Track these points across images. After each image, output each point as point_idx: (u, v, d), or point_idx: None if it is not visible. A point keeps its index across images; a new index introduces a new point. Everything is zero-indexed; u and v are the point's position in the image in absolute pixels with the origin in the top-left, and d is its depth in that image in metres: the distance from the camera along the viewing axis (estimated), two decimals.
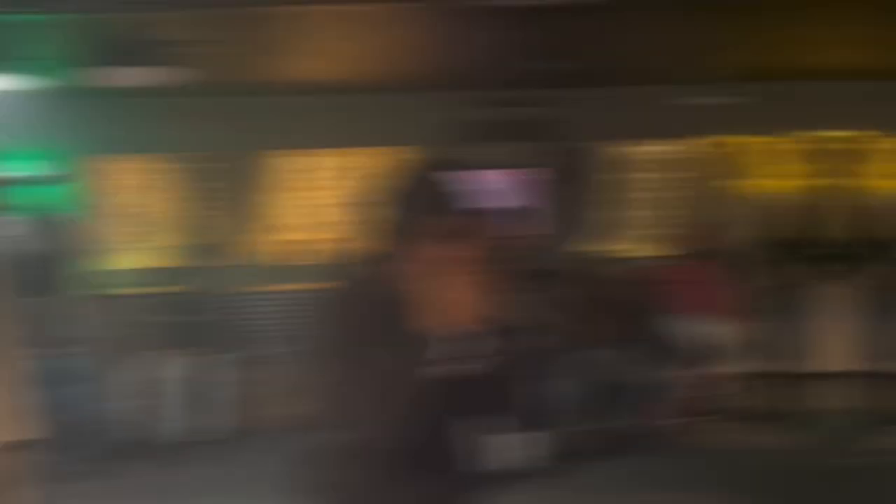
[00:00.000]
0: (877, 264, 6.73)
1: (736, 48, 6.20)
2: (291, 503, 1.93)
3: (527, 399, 1.97)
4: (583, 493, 5.12)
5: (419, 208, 1.78)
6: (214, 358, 6.32)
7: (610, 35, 5.96)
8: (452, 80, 7.21)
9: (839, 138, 7.72)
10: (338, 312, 1.80)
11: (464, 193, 1.83)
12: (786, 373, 6.75)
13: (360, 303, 1.80)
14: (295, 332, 1.95)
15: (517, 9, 5.21)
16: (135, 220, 8.57)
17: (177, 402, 6.56)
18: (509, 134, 8.03)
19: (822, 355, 6.49)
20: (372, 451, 1.73)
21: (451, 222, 1.76)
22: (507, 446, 5.10)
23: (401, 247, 1.77)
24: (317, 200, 8.64)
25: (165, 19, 4.47)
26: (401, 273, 1.77)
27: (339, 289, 1.87)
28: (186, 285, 6.52)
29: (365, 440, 1.71)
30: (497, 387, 1.86)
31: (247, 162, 8.53)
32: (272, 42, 5.98)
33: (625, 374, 6.11)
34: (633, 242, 8.42)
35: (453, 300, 1.71)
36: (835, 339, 6.15)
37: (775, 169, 8.16)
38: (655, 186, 8.49)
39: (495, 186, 7.99)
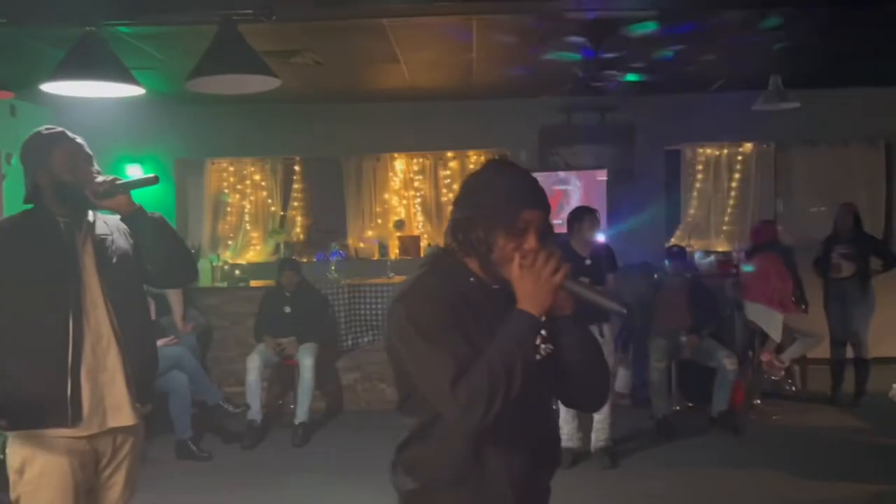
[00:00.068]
0: None
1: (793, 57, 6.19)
2: (390, 477, 1.98)
3: (606, 379, 2.01)
4: (661, 471, 5.24)
5: (496, 204, 1.81)
6: (310, 346, 6.38)
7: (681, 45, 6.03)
8: (536, 88, 7.31)
9: None
10: (428, 303, 1.81)
11: (536, 190, 1.87)
12: (844, 358, 6.89)
13: (453, 291, 1.83)
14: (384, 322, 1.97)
15: (593, 21, 5.32)
16: (232, 218, 8.94)
17: (271, 387, 6.71)
18: (588, 137, 8.14)
19: (881, 342, 6.62)
20: (475, 430, 1.73)
21: (524, 217, 1.81)
22: (585, 424, 5.10)
23: (483, 240, 1.82)
24: (411, 199, 8.89)
25: (261, 30, 4.69)
26: (487, 264, 1.84)
27: (430, 279, 1.88)
28: (280, 279, 6.60)
29: (477, 420, 1.70)
30: (577, 368, 1.90)
31: (343, 163, 8.85)
32: (363, 52, 6.20)
33: (701, 358, 6.18)
34: (705, 238, 8.52)
35: (535, 288, 1.76)
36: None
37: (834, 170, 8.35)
38: (723, 186, 8.62)
39: (572, 186, 8.07)
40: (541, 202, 1.85)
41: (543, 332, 1.83)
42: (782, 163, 8.55)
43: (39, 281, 2.52)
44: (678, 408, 6.59)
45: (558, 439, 2.05)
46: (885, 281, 6.84)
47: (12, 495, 2.57)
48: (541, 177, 8.36)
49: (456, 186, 8.53)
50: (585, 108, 8.01)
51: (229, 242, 8.90)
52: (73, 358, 2.50)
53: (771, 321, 6.38)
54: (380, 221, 8.89)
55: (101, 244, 2.63)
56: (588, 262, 5.36)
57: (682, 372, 6.53)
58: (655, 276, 6.79)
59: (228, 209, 8.94)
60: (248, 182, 8.99)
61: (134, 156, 7.96)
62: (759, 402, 6.70)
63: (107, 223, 2.70)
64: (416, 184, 8.92)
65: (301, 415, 6.22)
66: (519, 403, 1.73)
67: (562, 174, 8.20)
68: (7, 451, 2.59)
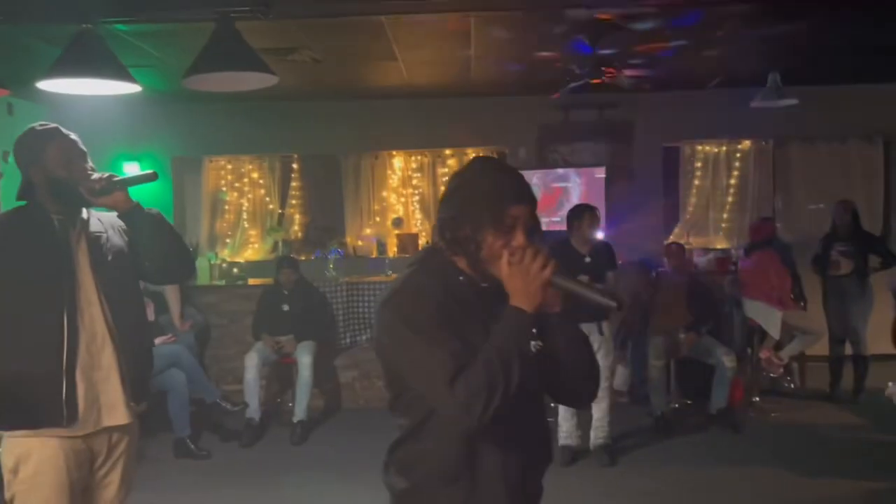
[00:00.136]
0: None
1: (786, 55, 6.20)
2: (382, 478, 1.98)
3: (596, 375, 2.00)
4: (659, 468, 5.23)
5: (483, 201, 1.81)
6: (308, 344, 6.39)
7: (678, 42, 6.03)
8: (533, 85, 7.30)
9: None
10: (419, 301, 1.80)
11: (522, 186, 1.86)
12: (843, 355, 6.92)
13: (442, 290, 1.82)
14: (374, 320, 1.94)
15: (592, 19, 5.31)
16: (230, 216, 8.93)
17: (270, 385, 6.73)
18: (586, 134, 8.14)
19: (879, 339, 6.57)
20: (474, 427, 1.72)
21: (511, 213, 1.80)
22: (584, 422, 5.08)
23: (471, 238, 1.82)
24: (409, 197, 8.88)
25: (258, 27, 4.69)
26: (475, 262, 1.84)
27: (420, 278, 1.87)
28: (278, 277, 6.59)
29: (476, 417, 1.69)
30: (567, 364, 1.90)
31: (341, 160, 8.84)
32: (361, 49, 6.19)
33: (699, 355, 6.19)
34: (704, 235, 8.54)
35: (525, 284, 1.75)
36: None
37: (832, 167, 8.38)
38: (722, 183, 8.63)
39: (572, 183, 8.08)
40: (527, 198, 1.85)
41: (533, 329, 1.81)
42: (781, 160, 8.55)
43: (33, 279, 2.51)
44: (677, 405, 6.59)
45: (550, 436, 2.04)
46: (883, 278, 6.84)
47: (7, 494, 2.56)
48: (540, 174, 8.39)
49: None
50: (584, 106, 8.00)
51: (227, 240, 8.89)
52: (68, 357, 2.48)
53: (770, 318, 6.41)
54: (378, 219, 8.88)
55: (95, 242, 2.62)
56: (588, 259, 5.36)
57: (680, 369, 6.54)
58: (654, 273, 6.79)
59: (226, 207, 8.92)
60: (245, 180, 8.98)
61: (131, 154, 7.95)
62: (757, 399, 6.72)
63: (101, 220, 2.69)
64: (414, 181, 8.91)
65: (299, 413, 6.22)
66: (511, 401, 1.73)
67: (561, 171, 8.19)
68: (1, 450, 2.58)
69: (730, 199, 8.60)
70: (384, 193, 8.89)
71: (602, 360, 5.39)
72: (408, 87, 7.49)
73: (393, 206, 8.91)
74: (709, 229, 8.63)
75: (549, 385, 1.95)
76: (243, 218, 8.95)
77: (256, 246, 8.95)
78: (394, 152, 8.81)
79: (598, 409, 5.46)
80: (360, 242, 8.81)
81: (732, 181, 8.58)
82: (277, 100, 7.62)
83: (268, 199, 9.00)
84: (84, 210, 2.65)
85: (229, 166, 8.93)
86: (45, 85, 4.16)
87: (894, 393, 4.01)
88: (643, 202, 8.04)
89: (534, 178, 8.15)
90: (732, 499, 4.89)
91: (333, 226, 8.92)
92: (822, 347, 6.90)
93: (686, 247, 7.13)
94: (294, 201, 9.08)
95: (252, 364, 6.25)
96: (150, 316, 6.05)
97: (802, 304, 6.90)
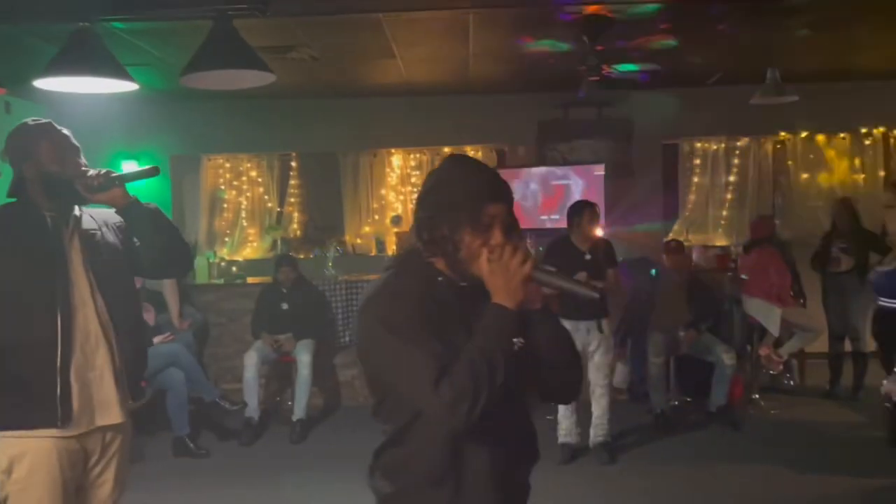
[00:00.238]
0: None
1: (794, 50, 6.19)
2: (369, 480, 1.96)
3: (578, 371, 2.00)
4: (659, 466, 5.23)
5: (459, 200, 1.79)
6: (307, 343, 6.37)
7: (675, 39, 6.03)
8: (529, 83, 7.30)
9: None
10: (399, 304, 1.78)
11: (498, 184, 1.85)
12: (843, 352, 6.91)
13: (422, 292, 1.80)
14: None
15: (589, 16, 5.30)
16: (228, 215, 8.91)
17: (269, 384, 6.72)
18: (586, 132, 8.13)
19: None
20: (461, 428, 1.71)
21: (488, 211, 1.79)
22: (584, 419, 5.05)
23: (448, 238, 1.80)
24: (408, 195, 8.87)
25: (256, 25, 4.67)
26: (454, 262, 1.82)
27: (398, 280, 1.86)
28: (277, 275, 6.59)
29: (462, 418, 1.68)
30: (549, 361, 1.88)
31: (340, 158, 8.82)
32: (359, 47, 6.18)
33: (699, 353, 6.19)
34: (703, 232, 8.54)
35: (506, 282, 1.73)
36: None
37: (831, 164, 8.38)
38: (721, 180, 8.61)
39: (574, 182, 8.07)
40: (503, 195, 1.83)
41: (515, 326, 1.79)
42: (780, 157, 8.54)
43: (26, 278, 2.49)
44: (676, 403, 6.58)
45: (535, 434, 2.02)
46: None
47: (0, 495, 2.55)
48: (539, 174, 8.37)
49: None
50: (583, 103, 7.99)
51: (226, 239, 8.87)
52: (62, 357, 2.47)
53: (769, 316, 6.40)
54: (377, 217, 8.86)
55: (89, 239, 2.60)
56: (588, 256, 5.35)
57: (680, 367, 6.53)
58: (653, 271, 6.78)
59: (225, 205, 8.91)
60: (244, 178, 8.96)
61: (129, 152, 7.92)
62: (757, 396, 6.72)
63: (93, 217, 2.67)
64: (413, 179, 8.88)
65: (299, 411, 6.21)
66: (496, 400, 1.72)
67: (560, 170, 8.18)
68: None
69: (729, 196, 8.60)
70: (383, 191, 8.87)
71: (602, 357, 5.40)
72: (406, 84, 7.48)
73: (392, 204, 8.89)
74: (708, 226, 8.63)
75: (532, 382, 1.93)
76: (242, 216, 8.93)
77: (255, 244, 8.94)
78: (392, 150, 8.79)
79: (598, 407, 5.46)
80: (358, 240, 8.80)
81: (732, 178, 8.57)
82: (276, 98, 7.60)
83: (266, 197, 8.98)
84: (76, 207, 2.62)
85: (228, 165, 8.91)
86: (42, 83, 4.14)
87: (891, 390, 4.00)
88: (642, 199, 8.04)
89: (534, 178, 8.16)
90: (732, 496, 4.88)
91: (332, 224, 8.91)
92: (821, 344, 6.89)
93: (685, 244, 7.13)
94: (293, 199, 9.06)
95: (251, 363, 6.24)
96: (151, 321, 6.05)
97: (802, 301, 6.90)
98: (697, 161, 8.62)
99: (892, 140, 8.42)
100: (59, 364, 2.46)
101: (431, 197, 1.86)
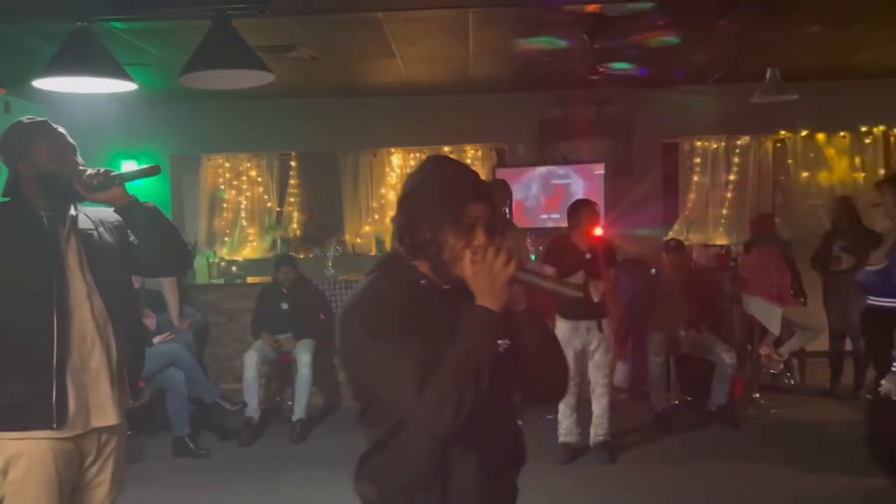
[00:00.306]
0: None
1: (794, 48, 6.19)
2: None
3: (564, 371, 1.98)
4: (659, 465, 5.23)
5: (440, 202, 1.78)
6: (307, 342, 6.37)
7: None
8: (529, 81, 7.28)
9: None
10: (381, 308, 1.76)
11: (479, 184, 1.83)
12: (843, 351, 6.90)
13: (405, 295, 1.78)
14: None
15: (589, 15, 5.29)
16: (228, 215, 8.91)
17: (269, 383, 6.71)
18: (586, 131, 8.11)
19: None
20: (446, 432, 1.69)
21: (470, 212, 1.77)
22: (584, 419, 5.02)
23: (431, 241, 1.78)
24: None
25: (255, 24, 4.67)
26: (438, 264, 1.80)
27: (380, 285, 1.84)
28: (277, 275, 6.59)
29: (447, 422, 1.66)
30: (534, 361, 1.86)
31: (340, 158, 8.80)
32: (359, 47, 6.16)
33: (699, 352, 6.19)
34: (703, 231, 8.53)
35: (490, 283, 1.72)
36: None
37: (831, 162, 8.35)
38: (721, 179, 8.59)
39: (574, 181, 8.05)
40: (484, 195, 1.82)
41: (500, 327, 1.78)
42: (780, 155, 8.53)
43: (22, 279, 2.48)
44: (677, 402, 6.58)
45: (521, 436, 2.00)
46: None
47: None
48: (542, 172, 8.35)
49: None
50: (583, 102, 7.97)
51: (226, 239, 8.86)
52: (58, 359, 2.46)
53: (770, 315, 6.40)
54: (377, 217, 8.84)
55: (86, 239, 2.59)
56: (588, 255, 5.35)
57: (680, 366, 6.53)
58: (653, 270, 6.78)
59: (224, 205, 8.89)
60: (244, 178, 8.94)
61: (129, 152, 7.91)
62: (757, 395, 6.71)
63: (89, 217, 2.65)
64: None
65: (299, 411, 6.21)
66: (481, 403, 1.70)
67: (561, 170, 8.16)
68: None
69: (729, 194, 8.58)
70: (383, 191, 8.85)
71: (602, 356, 5.40)
72: (406, 83, 7.46)
73: (391, 204, 8.85)
74: (708, 225, 8.62)
75: (518, 383, 1.92)
76: (241, 216, 8.92)
77: (255, 244, 8.92)
78: (392, 150, 8.78)
79: (599, 406, 5.45)
80: (358, 240, 8.79)
81: (732, 177, 8.56)
82: (275, 97, 7.59)
83: (266, 197, 8.97)
84: (72, 207, 2.61)
85: (227, 164, 8.90)
86: (41, 83, 4.14)
87: (890, 389, 4.00)
88: (642, 198, 8.02)
89: (535, 177, 8.14)
90: (733, 495, 4.88)
91: (332, 224, 8.90)
92: (822, 343, 6.89)
93: (685, 243, 7.12)
94: (292, 199, 9.05)
95: (251, 362, 6.24)
96: (152, 326, 6.04)
97: (802, 300, 6.90)
98: (697, 160, 8.61)
99: (892, 138, 8.41)
100: (55, 366, 2.45)
101: (412, 199, 1.83)
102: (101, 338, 2.56)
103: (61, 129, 2.60)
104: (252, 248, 8.89)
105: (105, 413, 2.58)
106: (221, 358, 7.08)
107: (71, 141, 2.60)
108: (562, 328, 5.31)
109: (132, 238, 2.67)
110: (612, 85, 6.68)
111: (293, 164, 8.98)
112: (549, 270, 5.33)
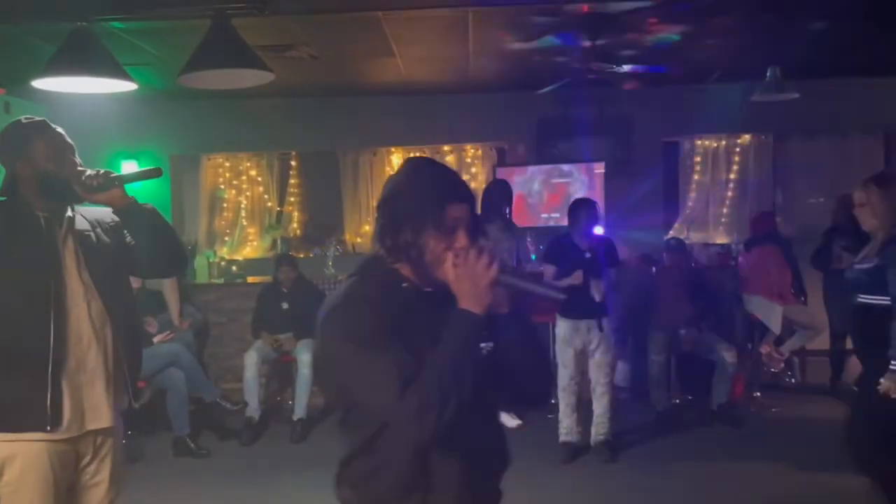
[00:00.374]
0: None
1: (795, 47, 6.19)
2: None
3: (548, 374, 1.96)
4: (660, 464, 5.21)
5: (420, 203, 1.76)
6: (308, 342, 6.27)
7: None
8: (528, 80, 7.27)
9: None
10: (362, 312, 1.73)
11: (459, 184, 1.82)
12: (844, 349, 6.84)
13: (386, 299, 1.75)
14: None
15: (589, 14, 5.29)
16: (228, 214, 8.90)
17: (269, 383, 6.69)
18: (586, 130, 8.10)
19: None
20: (429, 438, 1.67)
21: (451, 213, 1.75)
22: (585, 418, 4.98)
23: (412, 243, 1.76)
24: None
25: (255, 24, 4.67)
26: (419, 267, 1.77)
27: (361, 288, 1.81)
28: (277, 275, 6.58)
29: (430, 427, 1.64)
30: (517, 365, 1.84)
31: (339, 157, 8.79)
32: (358, 46, 6.17)
33: (700, 351, 6.19)
34: (704, 230, 8.53)
35: (473, 286, 1.69)
36: None
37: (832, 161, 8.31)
38: (722, 178, 8.60)
39: (575, 180, 8.05)
40: (465, 195, 1.79)
41: (483, 330, 1.76)
42: (781, 154, 8.53)
43: (19, 280, 2.46)
44: (678, 401, 6.58)
45: (504, 439, 1.97)
46: None
47: None
48: (543, 171, 8.34)
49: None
50: (583, 101, 7.96)
51: (226, 238, 8.87)
52: (53, 361, 2.44)
53: (770, 313, 6.39)
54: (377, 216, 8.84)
55: (83, 240, 2.57)
56: (588, 254, 5.34)
57: (681, 365, 6.53)
58: (654, 269, 6.78)
59: (224, 205, 8.90)
60: (244, 178, 8.95)
61: (129, 152, 7.92)
62: (758, 394, 6.70)
63: (86, 218, 2.64)
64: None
65: (299, 411, 6.20)
66: (463, 406, 1.68)
67: (562, 168, 8.17)
68: None
69: (729, 193, 8.59)
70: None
71: (602, 355, 5.39)
72: (406, 83, 7.47)
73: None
74: (708, 224, 8.62)
75: (501, 387, 1.88)
76: (242, 216, 8.92)
77: (255, 244, 8.93)
78: (392, 149, 8.78)
79: (599, 405, 5.45)
80: (358, 239, 8.78)
81: (732, 176, 8.57)
82: (275, 97, 7.59)
83: (266, 196, 8.97)
84: (69, 207, 2.59)
85: (227, 164, 8.90)
86: (40, 83, 4.14)
87: (889, 388, 4.00)
88: (642, 197, 8.02)
89: (537, 176, 8.15)
90: (733, 494, 4.88)
91: (332, 223, 8.90)
92: (822, 342, 6.88)
93: (686, 242, 7.12)
94: (292, 199, 9.06)
95: (251, 362, 6.23)
96: (153, 331, 6.04)
97: (803, 298, 6.89)
98: (698, 159, 8.62)
99: (892, 137, 8.41)
100: (50, 368, 2.44)
101: (392, 201, 1.81)
102: (98, 339, 2.55)
103: (60, 130, 2.58)
104: (252, 248, 8.89)
105: (100, 415, 2.57)
106: (222, 358, 7.07)
107: (69, 141, 2.58)
108: (562, 327, 5.32)
109: (129, 239, 2.66)
110: (612, 84, 6.66)
111: (293, 163, 8.98)
112: (550, 270, 5.34)
